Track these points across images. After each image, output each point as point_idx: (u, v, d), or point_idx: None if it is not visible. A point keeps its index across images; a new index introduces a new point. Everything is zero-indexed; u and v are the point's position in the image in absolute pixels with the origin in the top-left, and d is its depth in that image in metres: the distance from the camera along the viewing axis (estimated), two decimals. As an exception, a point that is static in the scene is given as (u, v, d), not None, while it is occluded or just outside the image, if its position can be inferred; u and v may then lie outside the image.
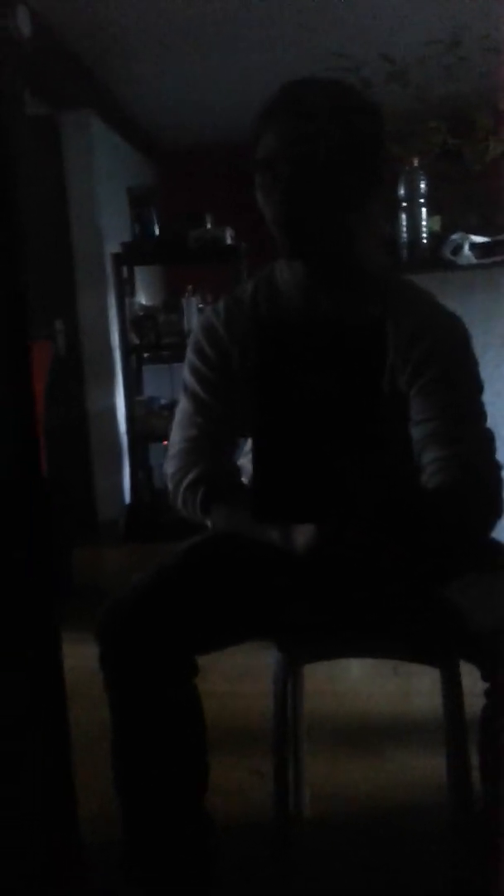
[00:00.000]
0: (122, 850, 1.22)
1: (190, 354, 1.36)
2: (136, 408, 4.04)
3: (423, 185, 2.53)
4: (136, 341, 3.98)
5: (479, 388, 1.25)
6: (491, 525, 1.21)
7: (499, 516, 1.20)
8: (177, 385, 4.61)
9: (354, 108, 1.18)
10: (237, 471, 1.38)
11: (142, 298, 4.42)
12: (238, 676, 2.07)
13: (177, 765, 1.20)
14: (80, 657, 1.13)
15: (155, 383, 4.29)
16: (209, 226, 3.85)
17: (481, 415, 1.24)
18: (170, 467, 1.35)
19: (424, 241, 2.57)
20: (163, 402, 4.13)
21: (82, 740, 1.50)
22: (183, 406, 1.37)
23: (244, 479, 1.37)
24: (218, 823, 1.27)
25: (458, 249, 2.50)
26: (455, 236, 2.53)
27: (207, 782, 1.25)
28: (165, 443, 4.54)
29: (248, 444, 1.33)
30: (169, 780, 1.20)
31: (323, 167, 1.15)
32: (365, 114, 1.20)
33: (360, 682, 2.14)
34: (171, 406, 4.05)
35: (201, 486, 1.28)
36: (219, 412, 1.32)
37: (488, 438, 1.23)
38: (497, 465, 1.22)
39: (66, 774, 0.77)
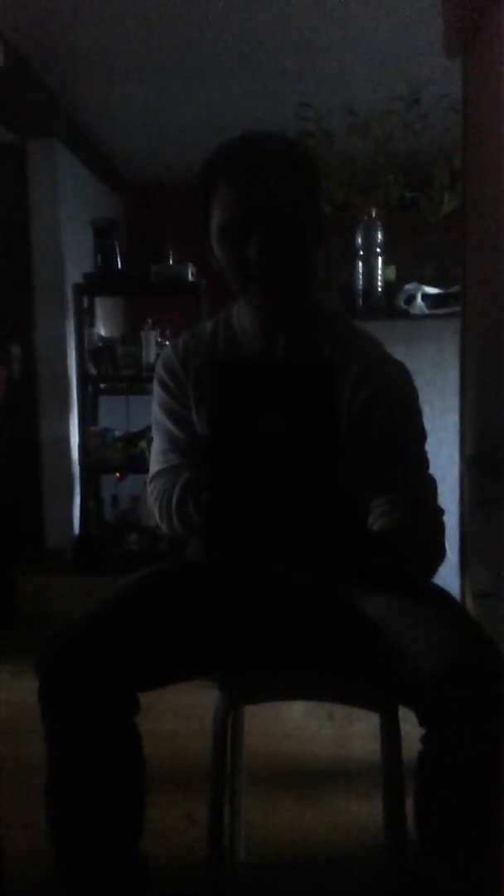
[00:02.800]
0: (53, 890, 1.20)
1: (155, 387, 1.40)
2: (90, 438, 4.02)
3: (380, 236, 2.61)
4: (94, 371, 3.98)
5: (422, 436, 1.28)
6: (433, 569, 1.23)
7: (440, 561, 1.23)
8: (132, 417, 4.57)
9: (300, 158, 1.24)
10: None
11: (101, 329, 4.42)
12: (179, 715, 2.05)
13: (113, 804, 1.18)
14: (19, 689, 1.11)
15: (110, 414, 4.27)
16: (171, 261, 3.89)
17: (423, 462, 1.27)
18: (154, 492, 1.34)
19: (380, 289, 2.64)
20: (117, 433, 4.11)
21: (15, 775, 1.47)
22: (154, 440, 1.41)
23: None
24: (153, 863, 1.25)
25: (411, 299, 2.58)
26: (409, 286, 2.61)
27: (143, 823, 1.23)
28: (118, 475, 4.49)
29: None
30: (104, 820, 1.18)
31: (284, 222, 1.20)
32: (308, 161, 1.26)
33: (300, 725, 2.14)
34: (126, 438, 4.04)
35: (193, 486, 1.25)
36: (186, 441, 1.35)
37: (430, 485, 1.26)
38: (439, 511, 1.25)
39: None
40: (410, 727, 1.12)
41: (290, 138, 1.28)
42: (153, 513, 1.35)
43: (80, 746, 1.15)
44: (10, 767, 1.48)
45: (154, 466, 1.39)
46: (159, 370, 1.39)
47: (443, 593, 1.25)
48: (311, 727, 2.12)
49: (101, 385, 4.15)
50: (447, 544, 1.25)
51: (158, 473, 1.36)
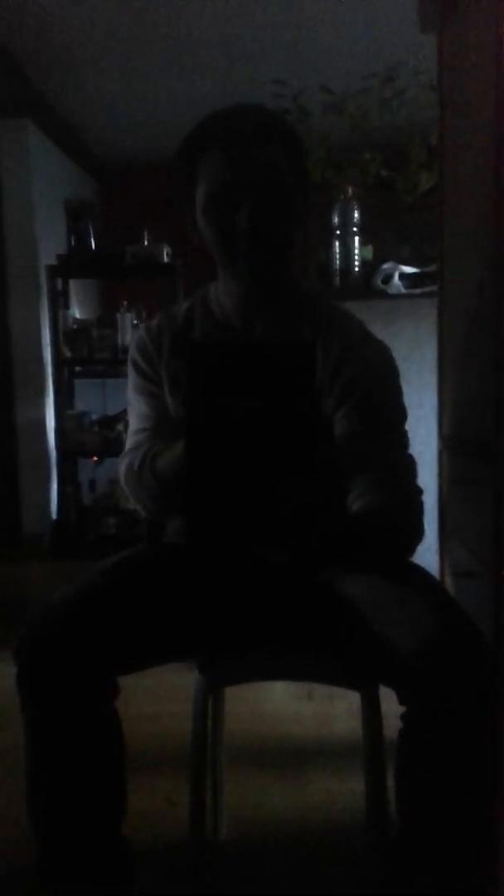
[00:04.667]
0: (34, 876, 1.19)
1: (129, 368, 1.39)
2: (67, 422, 3.99)
3: (356, 215, 2.60)
4: (69, 354, 3.94)
5: (402, 415, 1.28)
6: (412, 547, 1.23)
7: (419, 540, 1.23)
8: (109, 400, 4.56)
9: (287, 131, 1.23)
10: None
11: (76, 312, 4.38)
12: (161, 697, 2.05)
13: (94, 788, 1.18)
14: (-3, 677, 1.10)
15: (87, 398, 4.24)
16: (146, 242, 3.85)
17: (404, 441, 1.27)
18: (122, 469, 1.33)
19: (357, 269, 2.63)
20: (94, 417, 4.08)
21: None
22: (130, 419, 1.40)
23: None
24: (134, 846, 1.25)
25: (388, 279, 2.57)
26: (386, 266, 2.60)
27: (125, 806, 1.23)
28: (94, 459, 4.48)
29: None
30: (85, 804, 1.17)
31: (275, 192, 1.18)
32: (295, 136, 1.25)
33: (280, 705, 2.15)
34: (103, 421, 4.01)
35: (151, 457, 1.26)
36: (158, 423, 1.34)
37: (410, 465, 1.26)
38: (418, 490, 1.25)
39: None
40: (391, 705, 1.12)
41: (272, 109, 1.28)
42: (127, 493, 1.35)
43: (60, 731, 1.14)
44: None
45: (126, 446, 1.38)
46: (133, 351, 1.38)
47: (421, 572, 1.25)
48: (292, 707, 2.13)
49: (77, 368, 4.11)
50: (426, 523, 1.25)
51: (126, 453, 1.35)
